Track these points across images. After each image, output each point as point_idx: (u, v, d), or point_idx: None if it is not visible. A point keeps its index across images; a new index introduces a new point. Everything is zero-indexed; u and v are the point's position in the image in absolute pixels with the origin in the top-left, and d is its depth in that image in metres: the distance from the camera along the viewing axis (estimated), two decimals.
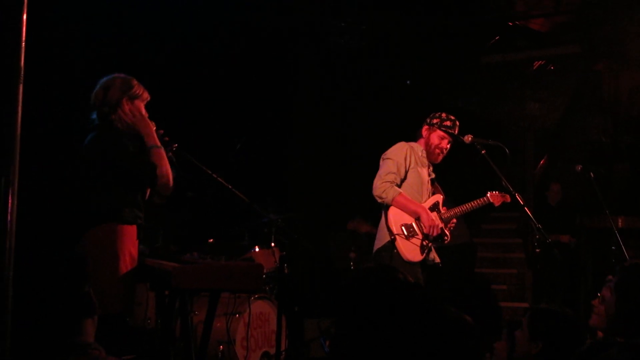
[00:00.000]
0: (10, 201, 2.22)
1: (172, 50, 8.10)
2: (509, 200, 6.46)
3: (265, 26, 9.25)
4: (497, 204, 6.50)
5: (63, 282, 2.41)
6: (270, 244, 7.11)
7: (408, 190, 6.00)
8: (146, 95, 4.64)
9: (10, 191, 2.23)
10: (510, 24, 10.21)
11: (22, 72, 2.31)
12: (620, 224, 8.81)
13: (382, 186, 5.90)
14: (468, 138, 6.03)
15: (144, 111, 4.59)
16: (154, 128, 4.65)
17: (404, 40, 10.17)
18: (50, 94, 6.29)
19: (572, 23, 10.26)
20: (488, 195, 6.44)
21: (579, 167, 7.39)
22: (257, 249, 7.05)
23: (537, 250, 5.74)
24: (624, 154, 10.93)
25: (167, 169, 4.39)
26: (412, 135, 6.33)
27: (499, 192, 6.45)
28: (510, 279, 11.13)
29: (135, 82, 4.58)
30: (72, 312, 2.38)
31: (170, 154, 4.74)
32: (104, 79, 4.55)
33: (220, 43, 8.74)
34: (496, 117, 11.98)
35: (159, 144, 4.46)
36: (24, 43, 2.30)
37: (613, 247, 7.55)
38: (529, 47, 10.33)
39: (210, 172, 4.96)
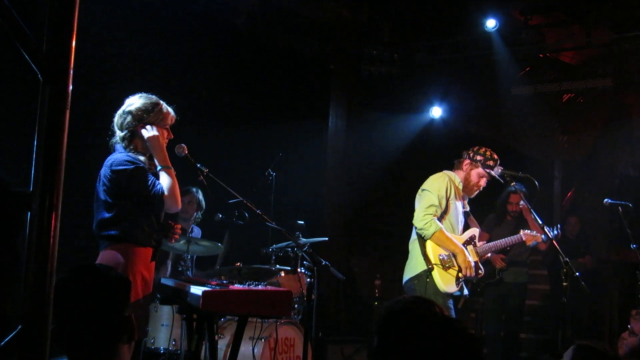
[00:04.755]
0: (53, 224, 2.24)
1: (208, 73, 8.20)
2: (539, 240, 6.77)
3: (301, 52, 9.34)
4: (528, 242, 6.82)
5: (106, 303, 2.44)
6: (297, 269, 7.11)
7: (446, 221, 6.01)
8: (170, 119, 4.62)
9: (53, 215, 2.25)
10: (541, 55, 10.20)
11: (69, 98, 2.34)
12: None
13: (424, 219, 5.88)
14: (498, 170, 6.05)
15: (165, 135, 4.58)
16: (186, 151, 4.70)
17: (435, 70, 10.21)
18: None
19: (603, 56, 10.24)
20: (521, 233, 6.68)
21: (608, 201, 7.39)
22: (282, 274, 7.04)
23: (565, 283, 5.74)
24: None
25: (174, 189, 4.40)
26: (440, 165, 6.32)
27: (530, 232, 6.74)
28: (534, 311, 11.03)
29: (156, 107, 4.54)
30: (111, 335, 2.41)
31: (201, 177, 4.79)
32: (127, 99, 4.56)
33: (255, 67, 8.84)
34: (525, 148, 11.94)
35: (169, 164, 4.48)
36: (71, 70, 2.33)
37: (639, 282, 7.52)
38: (560, 79, 10.31)
39: (239, 197, 4.99)
